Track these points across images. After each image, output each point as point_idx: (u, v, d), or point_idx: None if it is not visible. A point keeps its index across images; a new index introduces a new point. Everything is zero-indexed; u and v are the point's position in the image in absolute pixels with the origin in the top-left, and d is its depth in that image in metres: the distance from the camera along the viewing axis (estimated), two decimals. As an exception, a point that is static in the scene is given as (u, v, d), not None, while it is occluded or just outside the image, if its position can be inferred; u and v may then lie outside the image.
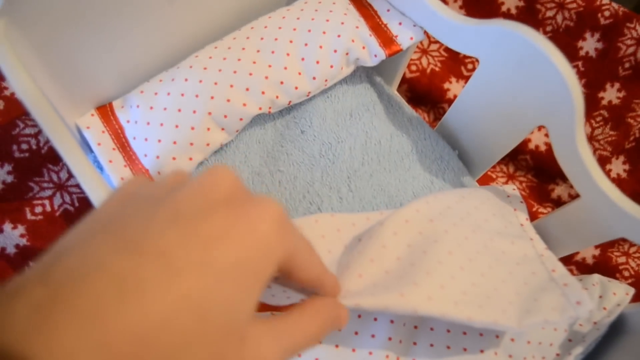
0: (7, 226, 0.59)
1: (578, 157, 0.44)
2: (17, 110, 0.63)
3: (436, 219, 0.44)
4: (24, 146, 0.62)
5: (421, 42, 0.72)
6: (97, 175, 0.38)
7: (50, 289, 0.18)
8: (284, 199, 0.48)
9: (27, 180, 0.61)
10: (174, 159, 0.48)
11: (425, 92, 0.71)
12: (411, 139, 0.53)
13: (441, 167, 0.53)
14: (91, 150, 0.51)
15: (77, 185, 0.61)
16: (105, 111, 0.52)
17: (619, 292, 0.50)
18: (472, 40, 0.47)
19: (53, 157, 0.62)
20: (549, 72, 0.42)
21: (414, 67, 0.71)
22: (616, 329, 0.49)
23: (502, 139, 0.50)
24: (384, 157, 0.51)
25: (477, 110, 0.51)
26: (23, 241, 0.58)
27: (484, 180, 0.67)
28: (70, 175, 0.61)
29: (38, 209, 0.60)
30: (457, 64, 0.72)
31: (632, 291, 0.50)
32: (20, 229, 0.59)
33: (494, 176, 0.69)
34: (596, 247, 0.64)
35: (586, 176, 0.44)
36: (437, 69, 0.72)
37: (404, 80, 0.71)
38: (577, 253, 0.64)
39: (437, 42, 0.72)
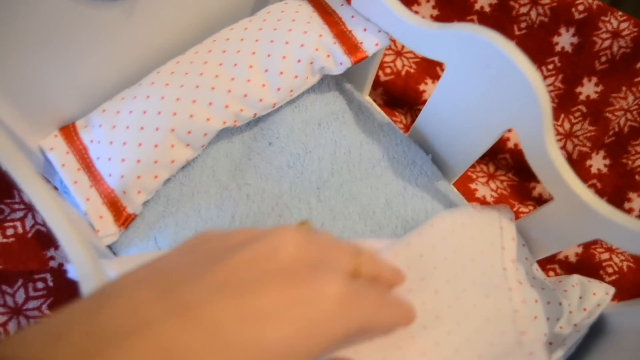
0: (-22, 251, 0.58)
1: (548, 159, 0.43)
2: (-15, 132, 0.62)
3: (426, 255, 0.44)
4: (-6, 168, 0.61)
5: (395, 44, 0.71)
6: (53, 200, 0.38)
7: (95, 341, 0.18)
8: (252, 213, 0.47)
9: (-2, 202, 0.60)
10: (138, 177, 0.47)
11: (401, 95, 0.70)
12: (382, 145, 0.52)
13: (414, 172, 0.52)
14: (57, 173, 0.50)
15: (49, 206, 0.60)
16: (69, 132, 0.50)
17: (599, 292, 0.49)
18: (437, 45, 0.46)
19: (23, 178, 0.61)
20: (513, 76, 0.41)
21: (388, 70, 0.70)
22: (597, 330, 0.49)
23: (473, 142, 0.50)
24: (354, 166, 0.50)
25: (447, 114, 0.50)
26: (-5, 265, 0.57)
27: (463, 182, 0.67)
28: (42, 196, 0.60)
29: (9, 231, 0.59)
30: (432, 65, 0.71)
31: (612, 290, 0.49)
32: (-8, 252, 0.58)
33: (474, 176, 0.68)
34: (579, 244, 0.63)
35: (558, 179, 0.43)
36: (412, 70, 0.71)
37: (379, 83, 0.70)
38: (559, 251, 0.63)
39: (411, 43, 0.71)
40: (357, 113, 0.54)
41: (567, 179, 0.43)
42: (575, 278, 0.50)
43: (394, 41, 0.71)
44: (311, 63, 0.49)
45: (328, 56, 0.50)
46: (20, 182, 0.38)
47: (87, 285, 0.34)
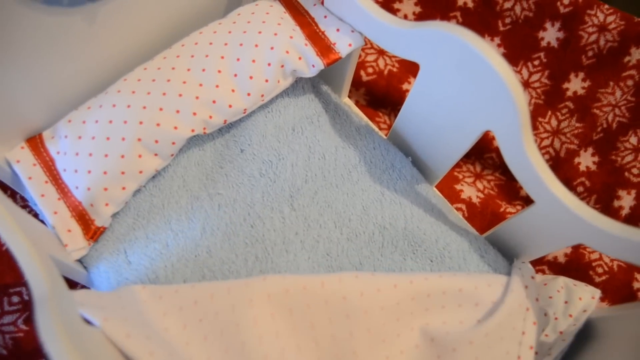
0: (-49, 266, 0.56)
1: (527, 162, 0.41)
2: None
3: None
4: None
5: (377, 43, 0.70)
6: (14, 215, 0.36)
7: None
8: (223, 224, 0.45)
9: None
10: (105, 189, 0.45)
11: (384, 95, 0.68)
12: (359, 149, 0.51)
13: (392, 176, 0.50)
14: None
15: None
16: (35, 143, 0.49)
17: (585, 297, 0.47)
18: (410, 45, 0.44)
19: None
20: (488, 76, 0.39)
21: (370, 69, 0.69)
22: (584, 336, 0.47)
23: (452, 144, 0.48)
24: (329, 172, 0.48)
25: (425, 115, 0.48)
26: (-32, 280, 0.56)
27: (448, 183, 0.65)
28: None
29: (-17, 245, 0.58)
30: (415, 63, 0.69)
31: (598, 294, 0.47)
32: (-35, 267, 0.56)
33: (460, 177, 0.67)
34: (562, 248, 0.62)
35: (538, 182, 0.41)
36: (394, 69, 0.69)
37: (361, 83, 0.68)
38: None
39: (393, 41, 0.70)
40: (334, 116, 0.53)
41: (548, 182, 0.41)
42: (561, 281, 0.48)
43: (375, 40, 0.69)
44: (282, 66, 0.48)
45: (300, 58, 0.48)
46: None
47: (43, 307, 0.32)
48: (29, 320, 0.55)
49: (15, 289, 0.57)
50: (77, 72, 0.49)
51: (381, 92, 0.68)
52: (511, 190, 0.66)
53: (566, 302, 0.47)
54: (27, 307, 0.56)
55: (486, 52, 0.39)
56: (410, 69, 0.69)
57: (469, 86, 0.42)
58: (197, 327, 0.41)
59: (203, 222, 0.45)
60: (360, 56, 0.69)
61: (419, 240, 0.47)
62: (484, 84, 0.40)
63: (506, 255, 0.50)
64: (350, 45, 0.48)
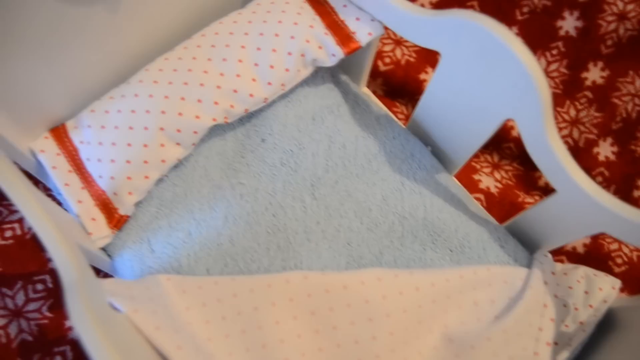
0: (-23, 253, 0.57)
1: (550, 150, 0.41)
2: (-20, 134, 0.62)
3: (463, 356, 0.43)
4: (-11, 170, 0.60)
5: (394, 33, 0.70)
6: (43, 204, 0.37)
7: None
8: (246, 213, 0.46)
9: (-5, 205, 0.59)
10: (128, 178, 0.46)
11: (402, 85, 0.68)
12: (379, 139, 0.51)
13: (412, 166, 0.50)
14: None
15: (46, 207, 0.59)
16: (59, 133, 0.50)
17: (605, 287, 0.47)
18: (431, 33, 0.44)
19: (20, 180, 0.60)
20: (510, 63, 0.39)
21: (387, 60, 0.68)
22: (604, 326, 0.47)
23: (473, 132, 0.48)
24: (349, 161, 0.49)
25: (445, 104, 0.48)
26: (-6, 268, 0.57)
27: (467, 173, 0.65)
28: (38, 197, 0.60)
29: (8, 233, 0.59)
30: (433, 53, 0.69)
31: (618, 284, 0.47)
32: (-10, 255, 0.57)
33: (477, 167, 0.67)
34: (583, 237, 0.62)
35: (560, 170, 0.41)
36: (412, 59, 0.69)
37: (378, 73, 0.68)
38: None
39: (410, 31, 0.69)
40: (353, 106, 0.53)
41: (570, 170, 0.41)
42: (581, 271, 0.48)
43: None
44: (302, 55, 0.48)
45: (320, 48, 0.48)
46: (4, 188, 0.37)
47: (72, 292, 0.33)
48: (54, 308, 0.56)
49: (39, 276, 0.58)
50: (100, 63, 0.49)
51: (398, 82, 0.68)
52: (529, 180, 0.66)
53: (586, 293, 0.47)
54: (51, 294, 0.57)
55: (509, 40, 0.39)
56: (427, 58, 0.69)
57: (490, 74, 0.42)
58: (219, 324, 0.41)
59: (225, 212, 0.46)
60: (377, 46, 0.69)
61: (438, 230, 0.47)
62: (506, 72, 0.40)
63: (526, 245, 0.50)
64: (370, 34, 0.48)
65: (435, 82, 0.48)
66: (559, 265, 0.49)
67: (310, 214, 0.46)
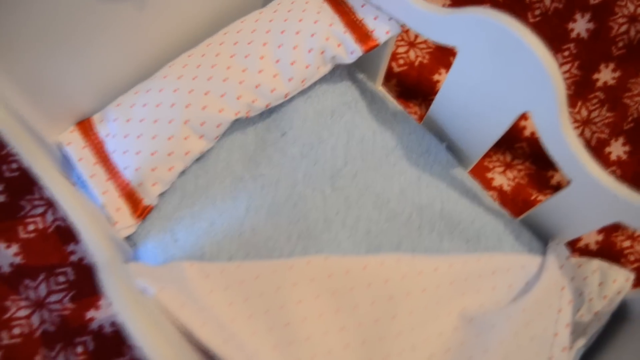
0: (1, 245, 0.59)
1: (564, 142, 0.42)
2: (5, 131, 0.64)
3: (483, 334, 0.44)
4: (14, 165, 0.62)
5: (407, 35, 0.71)
6: (76, 196, 0.38)
7: None
8: (267, 203, 0.47)
9: (19, 199, 0.61)
10: (153, 169, 0.47)
11: (415, 86, 0.70)
12: (395, 134, 0.52)
13: (428, 160, 0.51)
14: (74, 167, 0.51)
15: (68, 202, 0.61)
16: (85, 126, 0.51)
17: (619, 279, 0.48)
18: (448, 30, 0.46)
19: (43, 175, 0.62)
20: (526, 58, 0.41)
21: (401, 61, 0.70)
22: (618, 317, 0.48)
23: (488, 127, 0.49)
24: (367, 155, 0.50)
25: (461, 100, 0.50)
26: (17, 259, 0.59)
27: (480, 171, 0.66)
28: (61, 192, 0.61)
29: (30, 227, 0.60)
30: (445, 54, 0.70)
31: (632, 277, 0.48)
32: (14, 247, 0.59)
33: (490, 166, 0.68)
34: (599, 232, 0.62)
35: (574, 161, 0.43)
36: (425, 61, 0.70)
37: (392, 74, 0.70)
38: (580, 239, 0.62)
39: (424, 33, 0.71)
40: (370, 102, 0.54)
41: (584, 161, 0.42)
42: (595, 264, 0.49)
43: (406, 32, 0.71)
44: (322, 52, 0.49)
45: (339, 45, 0.50)
46: (41, 176, 0.38)
47: (106, 271, 0.34)
48: (75, 299, 0.58)
49: (61, 269, 0.59)
50: (125, 58, 0.51)
51: (412, 83, 0.70)
52: (541, 179, 0.67)
53: (600, 284, 0.48)
54: (72, 286, 0.58)
55: (525, 35, 0.40)
56: (440, 60, 0.70)
57: (507, 68, 0.43)
58: (242, 305, 0.42)
59: (247, 202, 0.47)
60: (393, 45, 0.70)
61: (455, 222, 0.48)
62: (523, 66, 0.41)
63: (540, 237, 0.51)
64: (387, 32, 0.50)
65: (451, 78, 0.49)
66: (573, 259, 0.50)
67: (330, 204, 0.47)
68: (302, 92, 0.52)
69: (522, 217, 0.52)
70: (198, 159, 0.50)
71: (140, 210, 0.48)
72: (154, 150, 0.47)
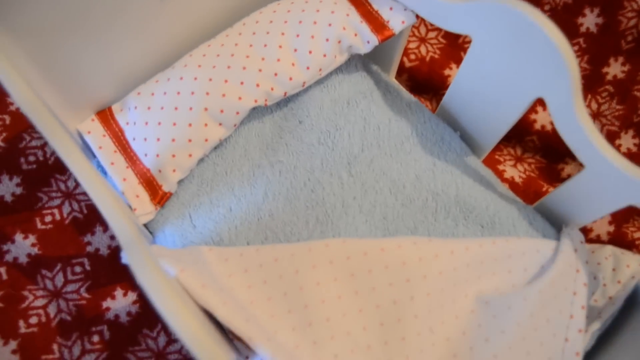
0: (19, 236, 0.60)
1: (578, 126, 0.43)
2: (22, 124, 0.65)
3: (499, 315, 0.45)
4: (31, 158, 0.63)
5: (419, 31, 0.72)
6: (100, 179, 0.39)
7: None
8: (285, 189, 0.48)
9: (36, 190, 0.62)
10: (173, 156, 0.48)
11: (426, 80, 0.71)
12: (410, 123, 0.53)
13: (443, 149, 0.52)
14: (94, 156, 0.51)
15: (85, 193, 0.62)
16: (105, 115, 0.52)
17: (633, 264, 0.48)
18: (463, 19, 0.47)
19: (60, 167, 0.63)
20: (541, 43, 0.42)
21: (413, 56, 0.71)
22: (632, 302, 0.48)
23: (501, 115, 0.50)
24: (383, 142, 0.51)
25: (475, 88, 0.50)
26: (34, 250, 0.59)
27: (491, 164, 0.67)
28: (78, 184, 0.62)
29: (48, 218, 0.61)
30: (456, 49, 0.71)
31: (646, 262, 0.49)
32: (31, 238, 0.60)
33: (501, 159, 0.68)
34: (610, 222, 0.63)
35: (588, 145, 0.43)
36: (436, 56, 0.71)
37: (403, 69, 0.71)
38: (591, 230, 0.63)
39: (434, 29, 0.72)
40: (385, 92, 0.55)
41: (598, 144, 0.43)
42: (609, 249, 0.50)
43: (417, 28, 0.72)
44: (339, 42, 0.50)
45: (355, 35, 0.51)
46: (65, 158, 0.39)
47: (131, 248, 0.35)
48: (91, 289, 0.58)
49: (78, 259, 0.60)
50: (146, 48, 0.52)
51: (423, 77, 0.71)
52: (552, 172, 0.68)
53: (614, 270, 0.49)
54: (89, 276, 0.59)
55: (540, 20, 0.41)
56: (451, 55, 0.71)
57: (521, 54, 0.44)
58: (261, 288, 0.43)
59: (265, 188, 0.48)
60: (407, 36, 0.71)
61: (470, 207, 0.49)
62: (537, 52, 0.42)
63: (554, 224, 0.52)
64: (403, 22, 0.51)
65: (465, 67, 0.50)
66: (586, 245, 0.51)
67: (347, 189, 0.48)
68: (319, 82, 0.53)
69: (535, 205, 0.53)
70: (216, 148, 0.51)
71: (159, 197, 0.49)
72: (174, 137, 0.48)
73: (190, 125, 0.48)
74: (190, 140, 0.48)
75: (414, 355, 0.43)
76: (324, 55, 0.50)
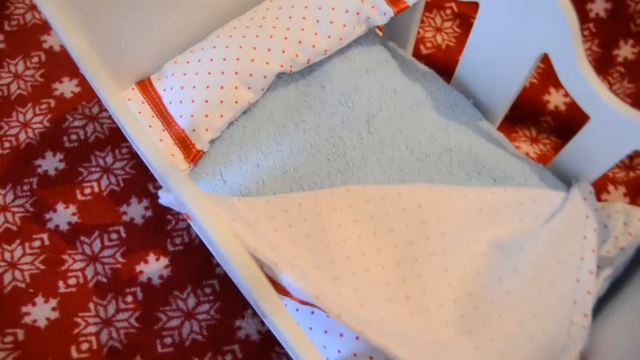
0: (60, 206, 0.64)
1: (582, 76, 0.46)
2: (66, 106, 0.70)
3: (513, 254, 0.47)
4: (73, 137, 0.68)
5: (434, 21, 0.76)
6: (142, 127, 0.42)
7: None
8: (308, 145, 0.51)
9: (77, 166, 0.67)
10: (206, 116, 0.52)
11: (442, 67, 0.74)
12: (425, 88, 0.56)
13: (456, 112, 0.55)
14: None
15: (122, 168, 0.66)
16: (144, 85, 0.57)
17: (644, 218, 0.50)
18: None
19: (99, 145, 0.68)
20: (543, 1, 0.45)
21: (429, 44, 0.75)
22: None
23: (511, 75, 0.53)
24: (400, 104, 0.54)
25: (484, 53, 0.54)
26: (74, 219, 0.64)
27: (506, 142, 0.69)
28: (115, 159, 0.67)
29: (87, 191, 0.65)
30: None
31: (657, 216, 0.50)
32: (72, 208, 0.64)
33: (516, 143, 0.71)
34: (625, 194, 0.64)
35: (592, 94, 0.46)
36: (452, 44, 0.75)
37: (421, 57, 0.75)
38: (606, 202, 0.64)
39: (449, 19, 0.76)
40: (401, 63, 0.59)
41: (601, 93, 0.45)
42: (619, 205, 0.51)
43: (433, 18, 0.76)
44: (358, 13, 0.55)
45: (373, 7, 0.55)
46: (116, 112, 0.43)
47: (171, 175, 0.37)
48: (126, 254, 0.62)
49: (114, 227, 0.64)
50: (183, 23, 0.57)
51: (440, 64, 0.74)
52: (566, 151, 0.70)
53: (625, 224, 0.50)
54: (124, 243, 0.63)
55: (543, -21, 0.45)
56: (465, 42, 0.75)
57: (525, 14, 0.47)
58: (286, 231, 0.46)
59: (290, 145, 0.52)
60: (419, 33, 0.75)
61: (482, 162, 0.51)
62: (540, 9, 0.46)
63: (565, 183, 0.54)
64: (416, -5, 0.55)
65: (475, 32, 0.53)
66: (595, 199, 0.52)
67: (366, 144, 0.51)
68: (339, 52, 0.57)
69: (547, 166, 0.55)
70: (245, 112, 0.55)
71: (193, 155, 0.53)
72: (207, 98, 0.52)
73: (222, 87, 0.52)
74: (222, 102, 0.53)
75: (430, 292, 0.45)
76: (344, 25, 0.54)
